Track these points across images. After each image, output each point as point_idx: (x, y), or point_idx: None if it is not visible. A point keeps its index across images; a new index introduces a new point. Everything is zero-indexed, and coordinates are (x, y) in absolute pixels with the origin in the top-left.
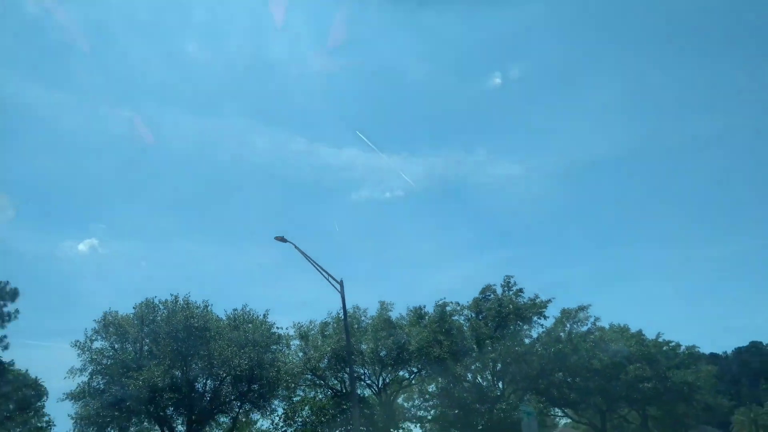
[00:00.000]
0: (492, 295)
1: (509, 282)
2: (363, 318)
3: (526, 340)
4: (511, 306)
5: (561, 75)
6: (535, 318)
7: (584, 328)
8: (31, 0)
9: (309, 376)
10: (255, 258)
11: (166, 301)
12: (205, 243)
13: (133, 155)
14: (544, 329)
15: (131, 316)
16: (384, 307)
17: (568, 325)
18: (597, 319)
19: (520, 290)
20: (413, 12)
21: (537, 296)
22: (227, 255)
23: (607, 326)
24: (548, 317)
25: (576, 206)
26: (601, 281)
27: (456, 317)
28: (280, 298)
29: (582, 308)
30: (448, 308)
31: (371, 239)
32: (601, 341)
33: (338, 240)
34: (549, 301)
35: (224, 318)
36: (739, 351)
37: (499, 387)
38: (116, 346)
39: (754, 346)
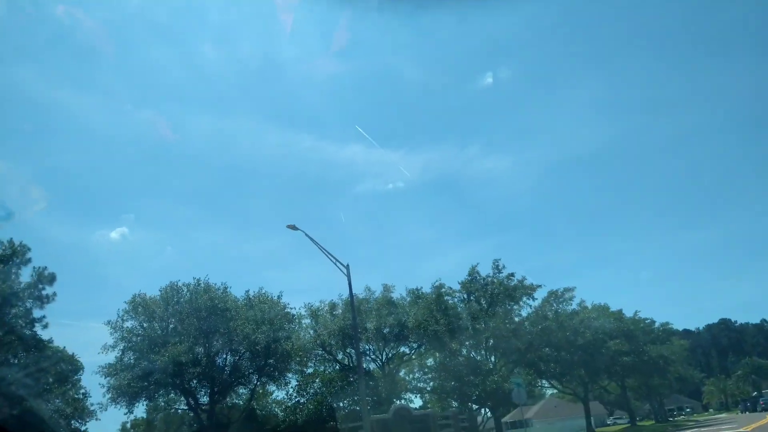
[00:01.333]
0: (478, 276)
1: (497, 265)
2: (370, 298)
3: (516, 319)
4: (501, 287)
5: (548, 75)
6: (524, 298)
7: (569, 308)
8: (61, 9)
9: (319, 352)
10: (269, 244)
11: (189, 284)
12: (224, 231)
13: (157, 151)
14: (533, 309)
15: (158, 297)
16: (387, 289)
17: (555, 305)
18: (582, 301)
19: (511, 274)
20: (411, 16)
21: (524, 278)
22: (244, 242)
23: (589, 305)
24: (537, 299)
25: (561, 197)
26: (583, 264)
27: (448, 298)
28: (293, 281)
29: (568, 290)
30: (443, 290)
31: (374, 227)
32: (585, 319)
33: (344, 228)
34: (539, 286)
35: (242, 299)
36: (709, 327)
37: (491, 361)
38: (145, 325)
39: (723, 323)
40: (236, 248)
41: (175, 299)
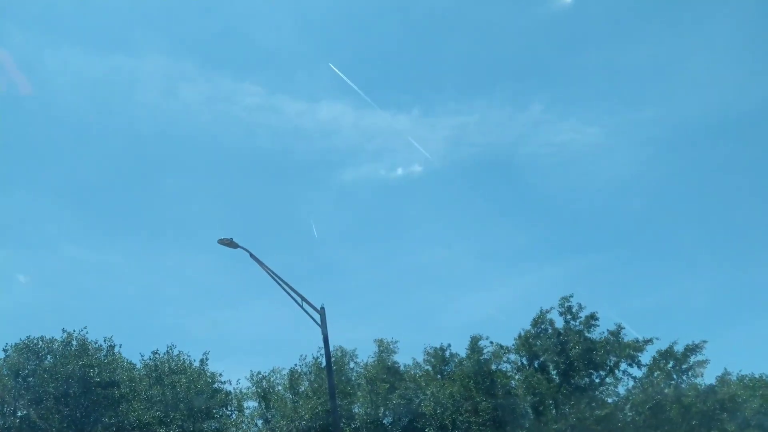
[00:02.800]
0: (550, 329)
1: (569, 306)
2: (354, 365)
3: (610, 400)
4: (584, 344)
5: None
6: (624, 364)
7: (699, 380)
8: None
9: None
10: (189, 272)
11: (54, 340)
12: (115, 249)
13: (1, 112)
14: (637, 381)
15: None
16: (384, 347)
17: (675, 377)
18: (727, 373)
19: (593, 317)
20: None
21: (620, 327)
22: (145, 268)
23: (734, 377)
24: (644, 365)
25: (688, 192)
26: (724, 307)
27: (495, 364)
28: (229, 335)
29: (693, 348)
30: (485, 349)
31: (370, 242)
32: (726, 400)
33: (318, 245)
34: (648, 341)
35: (141, 366)
36: None
37: None
38: None
39: None
40: (134, 278)
41: (30, 366)
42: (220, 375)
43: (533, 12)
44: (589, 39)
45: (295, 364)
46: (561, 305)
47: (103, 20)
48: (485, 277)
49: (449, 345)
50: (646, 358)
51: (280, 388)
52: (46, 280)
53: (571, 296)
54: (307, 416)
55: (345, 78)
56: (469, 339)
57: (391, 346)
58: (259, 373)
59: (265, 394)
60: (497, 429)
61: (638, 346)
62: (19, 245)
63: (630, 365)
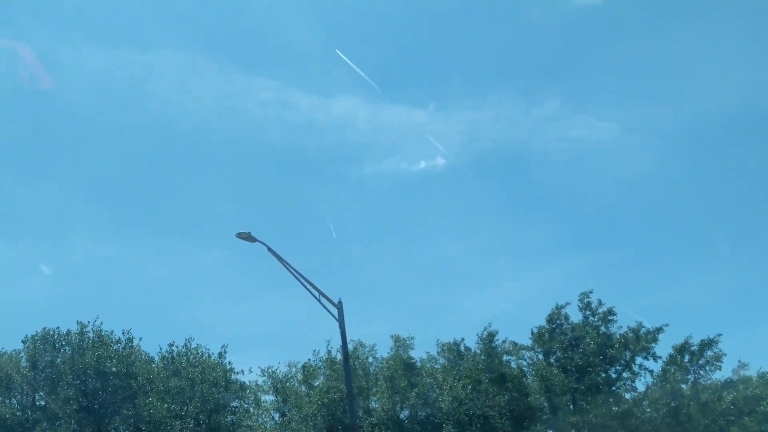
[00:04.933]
0: (564, 324)
1: (588, 302)
2: (372, 360)
3: (627, 395)
4: (600, 340)
5: None
6: (639, 358)
7: (717, 375)
8: None
9: None
10: (206, 266)
11: (71, 332)
12: (133, 242)
13: (21, 108)
14: (654, 377)
15: (19, 354)
16: (400, 342)
17: (692, 372)
18: (743, 365)
19: (610, 311)
20: None
21: (640, 324)
22: (163, 263)
23: (754, 374)
24: (660, 357)
25: (704, 188)
26: (742, 305)
27: (509, 358)
28: (246, 329)
29: (708, 343)
30: (497, 344)
31: (384, 238)
32: (748, 397)
33: (335, 240)
34: (659, 329)
35: (158, 358)
36: None
37: None
38: None
39: None
40: (152, 272)
41: (48, 358)
42: (232, 366)
43: (549, 7)
44: (605, 34)
45: (311, 359)
46: (581, 300)
47: (117, 16)
48: (500, 273)
49: (462, 339)
50: (660, 351)
51: (296, 381)
52: (66, 274)
53: (591, 292)
54: (315, 407)
55: (354, 66)
56: (476, 336)
57: (408, 342)
58: (270, 367)
59: (280, 386)
60: (514, 421)
61: (651, 337)
62: (39, 238)
63: (645, 358)
